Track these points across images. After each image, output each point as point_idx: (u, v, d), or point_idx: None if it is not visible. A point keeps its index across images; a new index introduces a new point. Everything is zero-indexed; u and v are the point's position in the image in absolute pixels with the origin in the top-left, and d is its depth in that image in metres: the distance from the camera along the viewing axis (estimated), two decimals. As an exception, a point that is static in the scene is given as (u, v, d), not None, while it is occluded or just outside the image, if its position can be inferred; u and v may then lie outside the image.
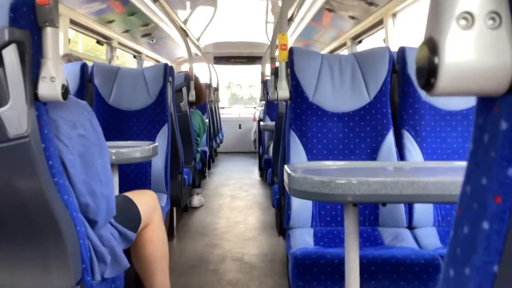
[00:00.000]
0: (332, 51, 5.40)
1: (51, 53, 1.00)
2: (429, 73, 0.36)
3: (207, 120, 5.23)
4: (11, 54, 0.92)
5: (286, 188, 1.14)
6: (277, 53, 3.41)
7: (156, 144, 1.94)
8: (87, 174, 1.19)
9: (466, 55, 0.35)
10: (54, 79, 0.99)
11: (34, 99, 0.98)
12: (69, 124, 1.16)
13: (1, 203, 1.02)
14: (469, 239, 0.37)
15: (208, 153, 5.25)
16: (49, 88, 0.99)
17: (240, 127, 8.54)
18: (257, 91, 9.27)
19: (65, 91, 1.02)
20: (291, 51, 2.00)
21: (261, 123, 4.66)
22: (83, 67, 2.61)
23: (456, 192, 0.98)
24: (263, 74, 5.37)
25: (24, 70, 0.94)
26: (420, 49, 0.37)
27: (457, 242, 0.39)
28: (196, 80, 3.98)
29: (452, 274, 0.39)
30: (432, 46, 0.35)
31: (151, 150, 1.84)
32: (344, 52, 5.01)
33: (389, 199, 1.02)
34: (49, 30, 0.99)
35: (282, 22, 2.10)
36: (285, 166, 1.18)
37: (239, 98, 10.92)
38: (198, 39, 6.58)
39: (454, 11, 0.34)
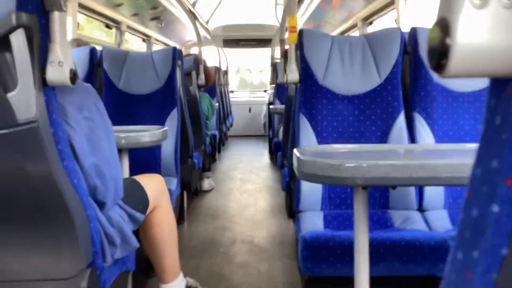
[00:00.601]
0: (342, 33, 5.34)
1: (59, 37, 1.00)
2: (440, 54, 0.35)
3: (217, 104, 5.23)
4: (18, 39, 0.91)
5: (295, 171, 1.14)
6: (286, 35, 3.39)
7: (166, 128, 1.94)
8: (95, 156, 1.20)
9: (479, 36, 0.34)
10: (62, 63, 0.99)
11: (42, 83, 0.98)
12: (75, 107, 1.16)
13: (11, 188, 1.03)
14: (478, 222, 0.37)
15: (218, 137, 5.26)
16: (57, 73, 0.99)
17: (250, 111, 8.52)
18: (267, 77, 9.21)
19: (74, 76, 1.01)
20: (300, 33, 1.98)
21: (271, 106, 4.64)
22: (92, 51, 2.61)
23: (466, 175, 0.98)
24: (273, 57, 5.33)
25: (32, 55, 0.94)
26: (432, 29, 0.36)
27: (466, 225, 0.38)
28: (204, 63, 3.97)
29: (460, 257, 0.39)
30: (444, 26, 0.34)
31: (160, 134, 1.85)
32: (355, 34, 4.94)
33: (399, 182, 1.01)
34: (56, 14, 0.99)
35: (291, 3, 2.07)
36: (294, 150, 1.17)
37: (249, 83, 10.66)
38: (207, 22, 6.54)
39: None
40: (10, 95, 0.92)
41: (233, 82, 9.84)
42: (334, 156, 1.16)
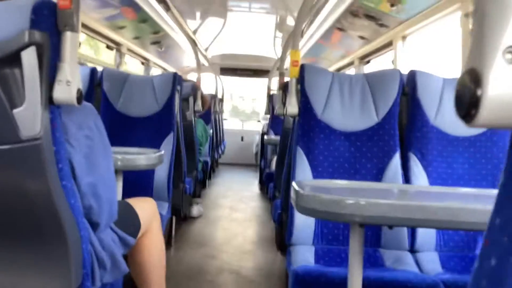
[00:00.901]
0: (338, 70, 5.42)
1: (69, 57, 1.00)
2: (470, 105, 0.35)
3: (211, 130, 5.24)
4: (29, 56, 0.92)
5: (293, 204, 1.14)
6: (285, 67, 3.44)
7: (162, 152, 1.94)
8: (92, 175, 1.19)
9: (510, 89, 0.35)
10: (70, 83, 0.99)
11: (49, 102, 0.98)
12: (75, 125, 1.16)
13: (8, 204, 1.01)
14: (497, 272, 0.37)
15: (209, 163, 5.25)
16: (64, 92, 0.99)
17: (242, 139, 8.54)
18: (261, 105, 9.23)
19: (80, 96, 1.02)
20: (302, 67, 2.01)
21: (265, 136, 4.66)
22: (93, 71, 2.62)
23: (465, 219, 0.98)
24: (269, 88, 5.39)
25: (41, 73, 0.94)
26: (462, 79, 0.37)
27: (483, 274, 0.39)
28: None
29: None
30: (474, 77, 0.35)
31: (157, 158, 1.84)
32: (351, 71, 5.02)
33: (397, 222, 1.02)
34: (68, 34, 1.00)
35: (295, 38, 2.11)
36: (293, 183, 1.17)
37: (241, 111, 10.52)
38: (206, 50, 6.61)
39: (500, 44, 0.34)
40: (16, 111, 0.92)
41: (225, 108, 9.79)
42: (332, 191, 1.17)
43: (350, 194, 1.07)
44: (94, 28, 3.59)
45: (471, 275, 0.41)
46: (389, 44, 3.69)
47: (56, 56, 1.00)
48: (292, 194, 1.14)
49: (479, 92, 0.35)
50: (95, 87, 2.62)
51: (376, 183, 1.69)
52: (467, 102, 0.36)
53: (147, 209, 1.63)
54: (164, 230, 2.19)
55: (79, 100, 1.01)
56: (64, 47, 1.00)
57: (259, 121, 9.02)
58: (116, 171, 1.83)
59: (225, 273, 2.69)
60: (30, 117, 0.93)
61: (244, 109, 10.64)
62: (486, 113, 0.35)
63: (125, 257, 1.57)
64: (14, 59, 0.91)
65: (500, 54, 0.35)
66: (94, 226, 1.23)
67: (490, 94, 0.35)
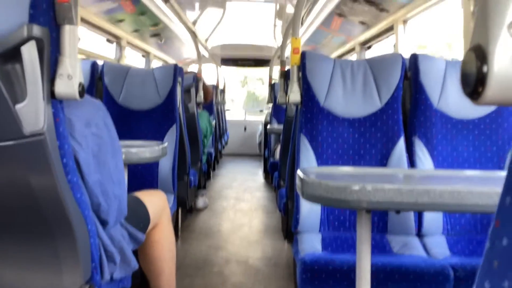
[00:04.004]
0: (339, 56, 5.39)
1: (69, 51, 1.00)
2: (476, 82, 0.35)
3: (214, 122, 5.23)
4: (29, 51, 0.91)
5: (299, 192, 1.13)
6: (286, 55, 3.42)
7: (166, 144, 1.93)
8: (100, 173, 1.19)
9: None
10: (71, 77, 0.99)
11: (51, 96, 0.98)
12: (83, 122, 1.15)
13: (14, 200, 1.01)
14: (509, 251, 0.36)
15: (213, 155, 5.25)
16: (66, 86, 0.99)
17: (245, 130, 8.53)
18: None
19: (82, 90, 1.01)
20: (303, 55, 1.99)
21: (268, 126, 4.65)
22: (94, 65, 2.61)
23: (472, 202, 0.98)
24: (270, 77, 5.37)
25: (42, 67, 0.94)
26: (467, 56, 0.36)
27: (495, 254, 0.38)
28: (202, 80, 3.99)
29: (487, 287, 0.38)
30: (480, 54, 0.35)
31: (161, 150, 1.84)
32: (353, 57, 4.99)
33: (404, 206, 1.01)
34: (67, 28, 0.99)
35: (295, 25, 2.09)
36: (298, 171, 1.17)
37: (259, 99, 8.60)
38: (206, 41, 6.58)
39: (505, 19, 0.34)
40: (18, 106, 0.91)
41: (238, 96, 8.79)
42: (338, 178, 1.16)
43: (356, 180, 1.07)
44: (94, 22, 3.58)
45: (483, 256, 0.41)
46: (390, 29, 3.66)
47: (56, 50, 0.99)
48: (298, 181, 1.14)
49: (485, 68, 0.34)
50: (96, 81, 2.62)
51: (381, 169, 1.68)
52: (474, 79, 0.35)
53: (156, 203, 1.63)
54: (171, 222, 2.19)
55: (81, 94, 1.01)
56: (64, 41, 0.99)
57: (261, 110, 8.98)
58: (121, 165, 1.83)
59: (233, 263, 2.70)
60: (32, 112, 0.93)
61: (263, 96, 8.79)
62: (493, 89, 0.34)
63: (135, 250, 1.58)
64: (14, 54, 0.91)
65: (505, 29, 0.34)
66: (104, 223, 1.23)
67: (497, 70, 0.34)
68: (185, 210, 3.70)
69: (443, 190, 0.97)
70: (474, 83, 0.35)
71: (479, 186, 0.99)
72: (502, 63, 0.34)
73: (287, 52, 3.18)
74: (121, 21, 3.99)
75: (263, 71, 8.92)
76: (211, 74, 7.36)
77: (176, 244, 2.96)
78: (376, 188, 0.98)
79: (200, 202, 4.08)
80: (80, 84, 1.00)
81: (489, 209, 0.96)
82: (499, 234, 0.38)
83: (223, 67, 8.21)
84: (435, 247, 1.76)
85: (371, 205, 0.99)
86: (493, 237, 0.39)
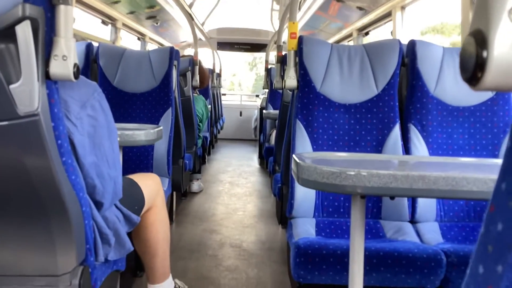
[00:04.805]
0: (337, 42, 5.37)
1: (64, 31, 0.98)
2: (475, 67, 0.35)
3: (210, 106, 5.22)
4: (24, 31, 0.90)
5: (294, 177, 1.13)
6: (283, 40, 3.39)
7: (161, 127, 1.93)
8: (96, 155, 1.18)
9: None
10: (66, 57, 0.98)
11: (45, 77, 0.97)
12: (78, 104, 1.15)
13: (8, 181, 1.01)
14: (504, 236, 0.36)
15: (209, 139, 5.24)
16: (61, 67, 0.98)
17: (241, 114, 8.52)
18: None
19: (77, 71, 1.00)
20: (300, 39, 1.98)
21: (264, 111, 4.65)
22: (89, 47, 2.59)
23: (466, 188, 0.98)
24: (267, 62, 5.34)
25: (36, 48, 0.92)
26: (467, 41, 0.36)
27: (489, 239, 0.38)
28: (200, 64, 3.96)
29: (481, 271, 0.39)
30: (480, 39, 0.34)
31: (156, 133, 1.84)
32: (350, 44, 4.97)
33: (399, 192, 1.01)
34: (62, 8, 0.98)
35: (293, 10, 2.07)
36: (294, 156, 1.17)
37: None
38: (202, 24, 6.53)
39: (506, 3, 0.33)
40: (12, 87, 0.90)
41: (246, 80, 8.30)
42: (333, 163, 1.16)
43: (351, 166, 1.07)
44: (88, 3, 3.54)
45: (477, 241, 0.41)
46: (388, 15, 3.65)
47: (51, 30, 0.98)
48: (293, 166, 1.14)
49: (484, 53, 0.34)
50: (91, 63, 2.59)
51: (376, 155, 1.69)
52: (473, 64, 0.35)
53: (151, 185, 1.63)
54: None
55: (76, 75, 1.00)
56: (59, 21, 0.98)
57: (257, 95, 8.96)
58: (116, 147, 1.82)
59: (227, 247, 2.71)
60: (27, 93, 0.92)
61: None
62: (492, 75, 0.34)
63: (130, 233, 1.59)
64: (8, 34, 0.89)
65: (505, 14, 0.33)
66: (99, 205, 1.23)
67: (496, 56, 0.34)
68: (180, 194, 3.71)
69: (438, 176, 0.97)
70: (473, 68, 0.35)
71: (473, 173, 0.99)
72: (502, 49, 0.34)
73: (284, 37, 3.16)
74: (116, 2, 3.95)
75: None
76: (209, 58, 7.30)
77: (170, 227, 2.97)
78: (371, 174, 0.98)
79: (195, 186, 4.09)
80: (75, 65, 0.99)
81: (483, 196, 0.96)
82: (494, 219, 0.38)
83: (221, 51, 8.16)
84: (428, 233, 1.77)
85: (365, 190, 0.99)
86: (488, 222, 0.39)
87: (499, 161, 1.35)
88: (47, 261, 1.10)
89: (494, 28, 0.34)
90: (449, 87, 1.97)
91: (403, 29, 3.46)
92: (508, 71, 0.34)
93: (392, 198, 1.24)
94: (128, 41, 5.29)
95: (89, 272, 1.17)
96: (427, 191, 0.99)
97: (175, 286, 1.83)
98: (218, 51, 8.04)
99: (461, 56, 0.36)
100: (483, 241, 0.39)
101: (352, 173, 0.99)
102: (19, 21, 0.89)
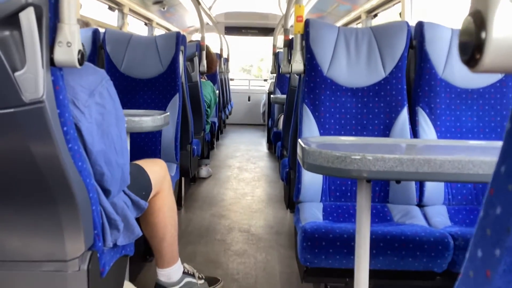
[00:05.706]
0: (345, 25, 5.31)
1: (68, 17, 0.98)
2: (474, 48, 0.34)
3: (217, 91, 5.21)
4: (28, 18, 0.90)
5: (300, 162, 1.13)
6: (290, 24, 3.36)
7: (168, 113, 1.93)
8: (104, 143, 1.19)
9: None
10: (71, 44, 0.98)
11: (50, 64, 0.97)
12: (87, 92, 1.15)
13: (15, 168, 1.02)
14: (502, 220, 0.36)
15: (217, 124, 5.24)
16: (65, 53, 0.98)
17: (249, 99, 8.50)
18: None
19: (82, 57, 1.00)
20: (306, 23, 1.96)
21: (272, 95, 4.63)
22: (95, 33, 2.59)
23: (473, 172, 0.98)
24: (274, 46, 5.30)
25: (40, 34, 0.93)
26: (465, 22, 0.35)
27: (488, 222, 0.38)
28: (208, 49, 3.94)
29: (480, 255, 0.39)
30: (478, 19, 0.34)
31: (163, 119, 1.84)
32: (358, 26, 4.92)
33: (404, 176, 1.01)
34: (66, -6, 0.98)
35: (299, -8, 2.05)
36: (299, 140, 1.17)
37: None
38: (209, 8, 6.49)
39: None
40: (17, 74, 0.91)
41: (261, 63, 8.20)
42: (339, 148, 1.16)
43: (357, 150, 1.06)
44: (95, -11, 3.53)
45: (476, 225, 0.41)
46: (396, -4, 3.60)
47: (55, 17, 0.98)
48: (299, 151, 1.14)
49: (483, 35, 0.33)
50: (98, 49, 2.59)
51: (383, 139, 1.68)
52: (471, 46, 0.34)
53: (157, 171, 1.64)
54: (173, 191, 2.21)
55: (80, 61, 1.00)
56: (63, 7, 0.98)
57: (265, 80, 8.93)
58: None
59: (235, 231, 2.73)
60: (32, 80, 0.92)
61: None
62: (491, 57, 0.34)
63: (138, 218, 1.60)
64: (12, 21, 0.90)
65: None
66: (107, 192, 1.24)
67: (495, 37, 0.33)
68: (189, 179, 3.73)
69: (444, 159, 0.97)
70: (471, 50, 0.34)
71: (481, 156, 0.98)
72: (501, 30, 0.33)
73: (291, 21, 3.14)
74: (123, -12, 3.93)
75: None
76: (214, 44, 7.26)
77: (179, 212, 3.01)
78: (376, 158, 0.98)
79: (204, 171, 4.11)
80: (79, 52, 0.99)
81: (489, 179, 0.95)
82: (493, 203, 0.38)
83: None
84: (436, 216, 1.77)
85: (371, 174, 0.99)
86: (487, 205, 0.39)
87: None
88: (55, 247, 1.11)
89: (493, 9, 0.33)
90: (457, 69, 1.94)
91: (412, 10, 3.42)
92: (507, 52, 0.33)
93: (398, 182, 1.24)
94: (135, 27, 5.28)
95: (97, 257, 1.19)
96: (433, 175, 0.98)
97: (183, 270, 1.85)
98: (228, 36, 8.00)
99: (459, 38, 0.36)
100: (482, 225, 0.39)
101: (357, 157, 0.98)
102: (23, 8, 0.89)
